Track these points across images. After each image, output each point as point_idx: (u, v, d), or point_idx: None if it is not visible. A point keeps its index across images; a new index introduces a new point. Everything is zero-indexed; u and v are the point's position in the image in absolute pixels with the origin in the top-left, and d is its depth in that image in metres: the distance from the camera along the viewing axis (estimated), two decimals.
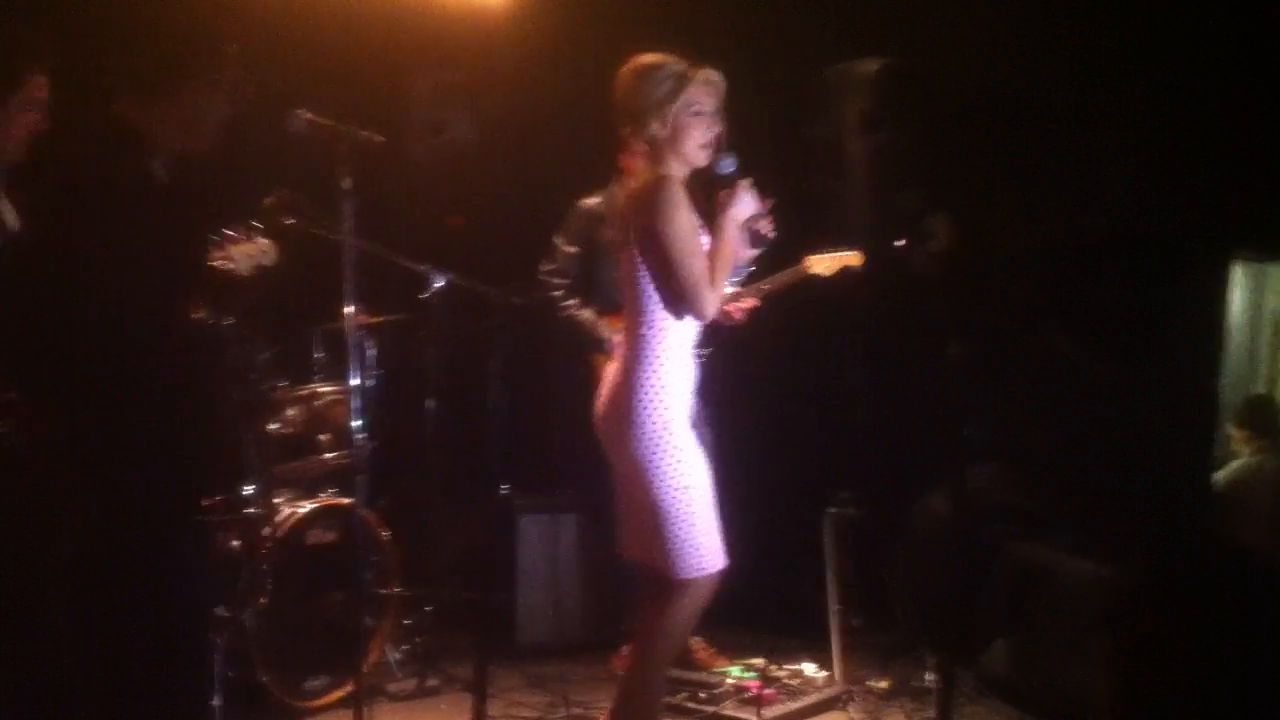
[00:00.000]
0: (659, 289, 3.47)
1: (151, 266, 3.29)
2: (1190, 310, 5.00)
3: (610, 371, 3.61)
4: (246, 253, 4.10)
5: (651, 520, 3.49)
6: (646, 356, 3.47)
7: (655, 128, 3.45)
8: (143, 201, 3.30)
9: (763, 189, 4.83)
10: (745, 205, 3.48)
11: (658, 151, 3.50)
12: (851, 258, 4.66)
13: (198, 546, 4.01)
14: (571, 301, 4.80)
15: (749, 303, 4.62)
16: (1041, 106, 5.16)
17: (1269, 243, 5.35)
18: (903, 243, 4.88)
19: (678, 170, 3.51)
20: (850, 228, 5.14)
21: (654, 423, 3.43)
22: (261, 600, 4.13)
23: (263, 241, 4.14)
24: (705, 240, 3.49)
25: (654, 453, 3.44)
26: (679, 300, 3.45)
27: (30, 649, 3.33)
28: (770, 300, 4.64)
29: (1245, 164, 4.78)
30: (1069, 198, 5.16)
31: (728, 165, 3.50)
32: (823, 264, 4.67)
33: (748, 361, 5.08)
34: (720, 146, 3.54)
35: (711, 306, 3.45)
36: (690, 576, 3.49)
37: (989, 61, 5.17)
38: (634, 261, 3.49)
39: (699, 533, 3.48)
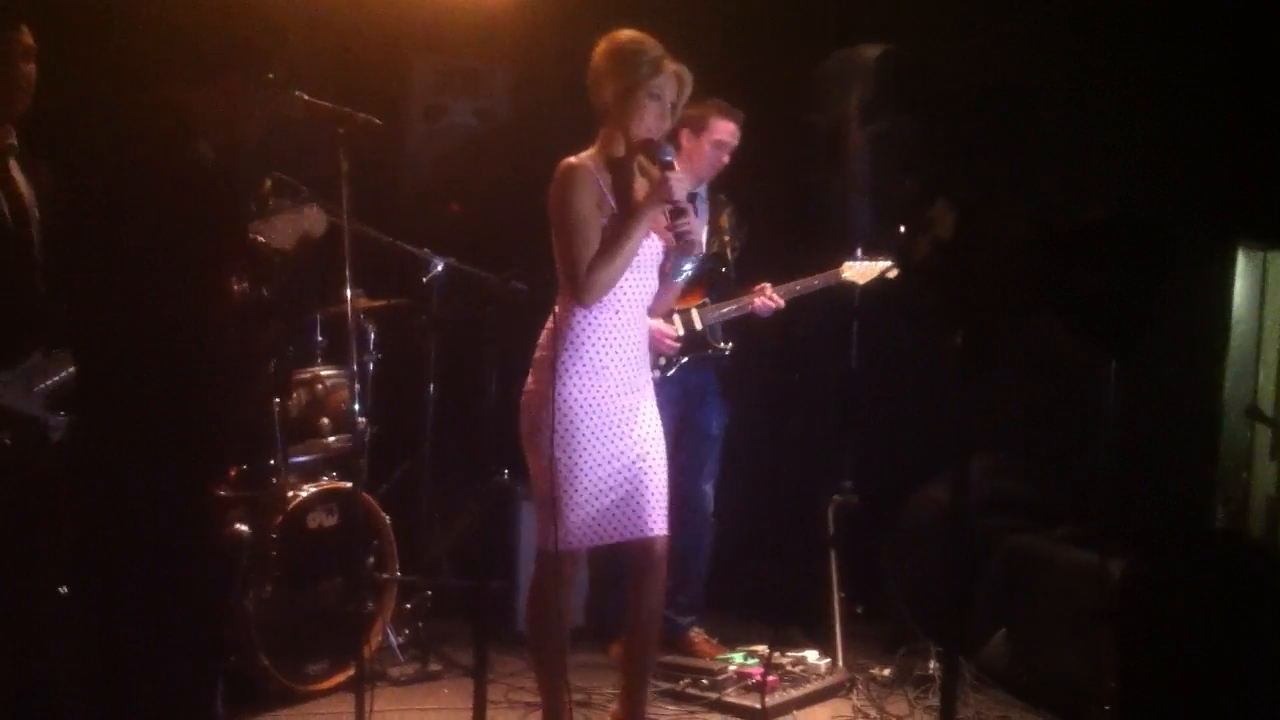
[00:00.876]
0: (558, 270, 3.53)
1: (196, 243, 3.32)
2: (1194, 299, 4.98)
3: None
4: (293, 222, 4.06)
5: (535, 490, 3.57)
6: (564, 337, 3.51)
7: (608, 96, 3.49)
8: (191, 179, 3.33)
9: (760, 178, 4.83)
10: (663, 196, 3.47)
11: (606, 121, 3.54)
12: (887, 268, 4.66)
13: (209, 529, 4.04)
14: None
15: (776, 302, 4.61)
16: (1043, 92, 5.15)
17: (1273, 230, 5.33)
18: (903, 230, 4.86)
19: (617, 145, 3.54)
20: (850, 216, 5.13)
21: (553, 399, 3.46)
22: (262, 584, 4.12)
23: (311, 209, 4.12)
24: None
25: (538, 423, 3.49)
26: (564, 282, 3.50)
27: (33, 635, 3.34)
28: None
29: (1249, 150, 4.76)
30: (1070, 184, 5.14)
31: (666, 154, 3.50)
32: (856, 271, 4.66)
33: (748, 351, 5.06)
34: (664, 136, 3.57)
35: (589, 292, 3.45)
36: (542, 547, 3.55)
37: (990, 48, 5.16)
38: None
39: (560, 508, 3.49)
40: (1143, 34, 4.89)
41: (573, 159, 3.52)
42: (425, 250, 4.68)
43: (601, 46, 3.55)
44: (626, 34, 3.54)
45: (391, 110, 4.81)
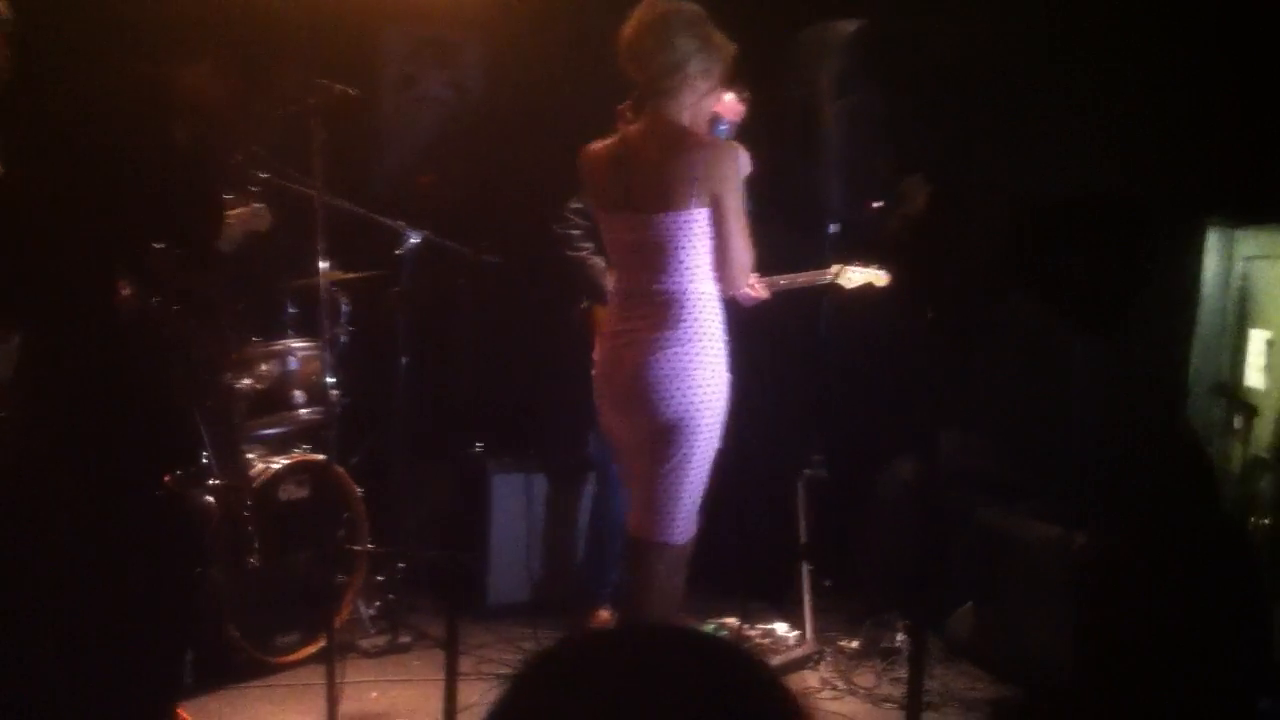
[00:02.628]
0: (715, 258, 3.41)
1: (158, 223, 3.30)
2: (1164, 275, 5.01)
3: (645, 331, 3.43)
4: (241, 218, 4.05)
5: (666, 479, 3.44)
6: (719, 328, 3.43)
7: (698, 80, 3.37)
8: (158, 160, 3.31)
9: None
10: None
11: (677, 105, 3.38)
12: (878, 277, 4.60)
13: (164, 520, 4.02)
14: (587, 245, 4.74)
15: (758, 293, 4.60)
16: (1016, 69, 5.16)
17: (1241, 207, 5.37)
18: (877, 205, 4.88)
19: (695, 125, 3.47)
20: (821, 190, 5.14)
21: (714, 384, 3.39)
22: (233, 556, 4.11)
23: (258, 206, 4.10)
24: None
25: (702, 412, 3.38)
26: (727, 272, 3.41)
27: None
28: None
29: (1219, 128, 4.79)
30: (1040, 163, 5.16)
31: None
32: (846, 275, 4.60)
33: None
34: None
35: (746, 281, 3.46)
36: (680, 541, 3.52)
37: (964, 24, 5.16)
38: (685, 219, 3.34)
39: (696, 500, 3.49)
40: (1116, 13, 4.90)
41: (728, 138, 3.41)
42: (398, 223, 4.65)
43: (659, 28, 3.35)
44: (696, 10, 3.40)
45: (363, 81, 4.77)
